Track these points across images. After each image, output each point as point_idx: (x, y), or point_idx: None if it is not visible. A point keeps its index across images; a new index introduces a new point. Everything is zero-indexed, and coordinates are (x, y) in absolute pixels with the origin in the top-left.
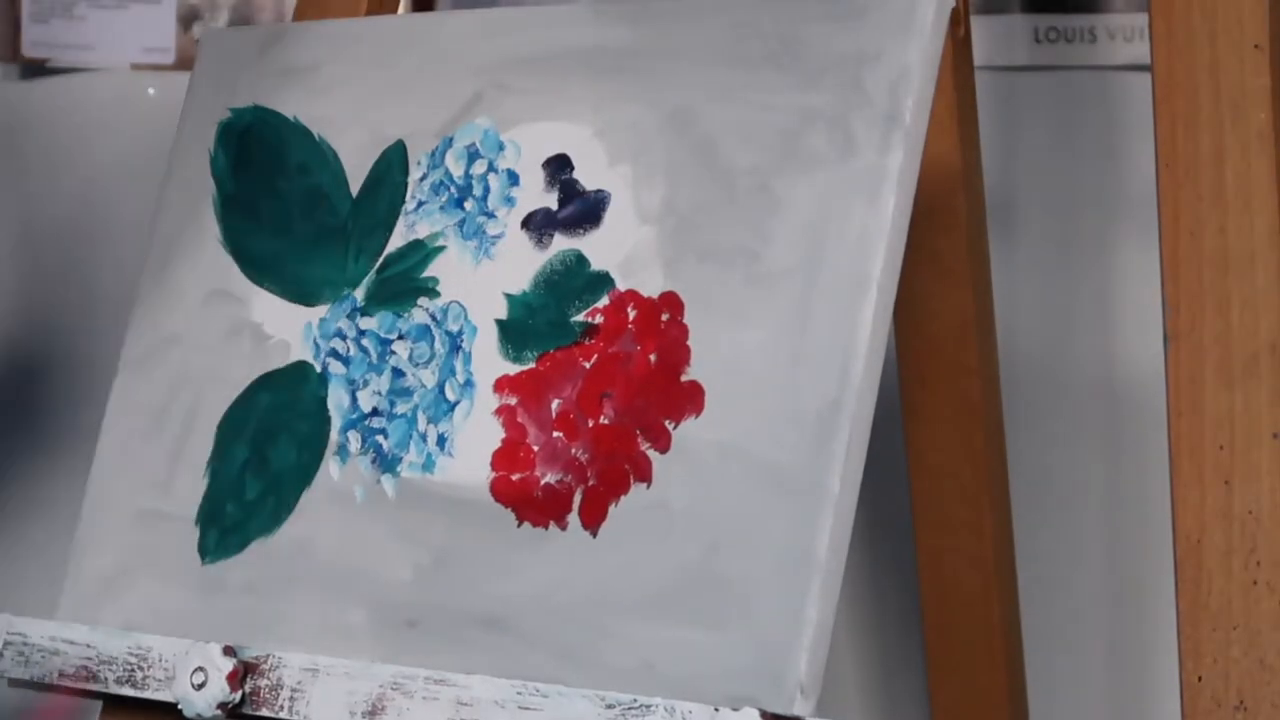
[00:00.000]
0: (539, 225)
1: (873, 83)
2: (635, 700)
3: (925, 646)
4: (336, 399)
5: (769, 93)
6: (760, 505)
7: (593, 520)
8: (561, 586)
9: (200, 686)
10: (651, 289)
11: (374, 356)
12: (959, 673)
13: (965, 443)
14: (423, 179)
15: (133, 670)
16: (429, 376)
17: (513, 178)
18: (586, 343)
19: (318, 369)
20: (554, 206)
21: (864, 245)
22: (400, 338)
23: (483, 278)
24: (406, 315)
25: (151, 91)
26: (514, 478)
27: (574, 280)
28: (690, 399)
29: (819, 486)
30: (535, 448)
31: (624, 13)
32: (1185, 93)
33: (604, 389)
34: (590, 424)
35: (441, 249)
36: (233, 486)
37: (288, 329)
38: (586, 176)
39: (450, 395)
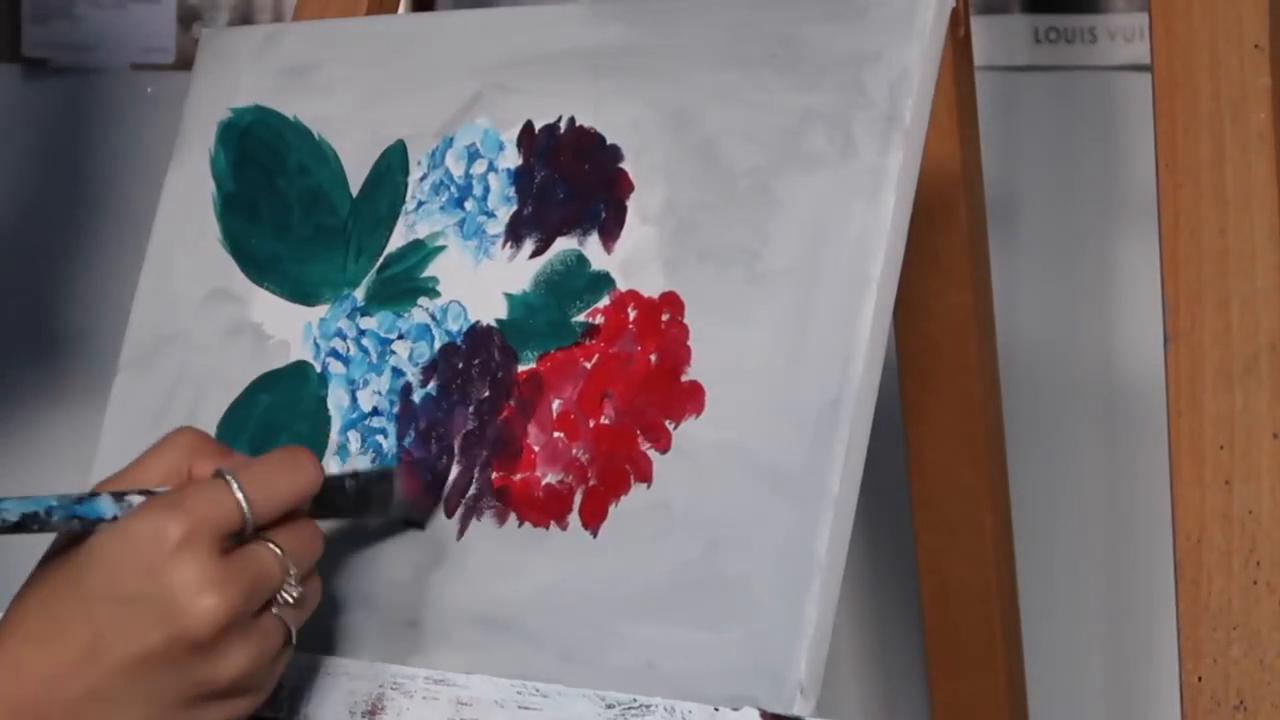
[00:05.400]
0: (539, 225)
1: (873, 83)
2: (635, 700)
3: (925, 646)
4: (336, 399)
5: (769, 93)
6: (760, 505)
7: (593, 520)
8: (561, 586)
9: None
10: (652, 289)
11: (374, 356)
12: (959, 673)
13: (965, 443)
14: (423, 179)
15: None
16: None
17: (513, 177)
18: (587, 343)
19: (318, 369)
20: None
21: (864, 245)
22: (400, 337)
23: (483, 278)
24: (406, 315)
25: (151, 91)
26: (514, 478)
27: (574, 280)
28: (690, 399)
29: (819, 486)
30: (536, 448)
31: (623, 13)
32: (1185, 93)
33: (604, 389)
34: (591, 424)
35: (441, 249)
36: None
37: (288, 329)
38: None
39: None
